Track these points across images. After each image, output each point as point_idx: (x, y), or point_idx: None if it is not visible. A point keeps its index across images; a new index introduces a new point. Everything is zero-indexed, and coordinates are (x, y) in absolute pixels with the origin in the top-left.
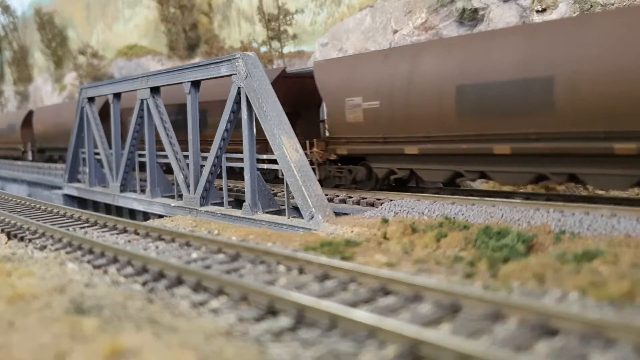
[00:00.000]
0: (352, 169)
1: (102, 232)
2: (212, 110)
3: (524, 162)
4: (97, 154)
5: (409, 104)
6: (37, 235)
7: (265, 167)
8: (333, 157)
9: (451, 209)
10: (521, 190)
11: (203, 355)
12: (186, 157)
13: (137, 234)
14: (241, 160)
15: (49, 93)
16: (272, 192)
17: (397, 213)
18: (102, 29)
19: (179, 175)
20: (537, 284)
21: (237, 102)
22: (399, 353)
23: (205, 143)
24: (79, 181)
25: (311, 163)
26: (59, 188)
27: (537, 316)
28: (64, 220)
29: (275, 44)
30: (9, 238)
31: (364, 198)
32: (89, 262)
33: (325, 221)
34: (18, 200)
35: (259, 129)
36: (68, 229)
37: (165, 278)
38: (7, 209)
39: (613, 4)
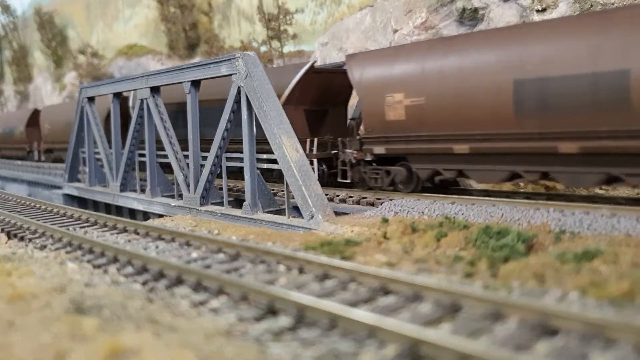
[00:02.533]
0: (391, 170)
1: (102, 231)
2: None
3: (593, 162)
4: (97, 153)
5: (459, 99)
6: (37, 235)
7: (265, 167)
8: (369, 157)
9: (451, 208)
10: (521, 190)
11: (203, 355)
12: (186, 156)
13: (137, 233)
14: (241, 159)
15: (49, 92)
16: (272, 191)
17: (397, 212)
18: (102, 29)
19: (179, 175)
20: (537, 284)
21: (237, 101)
22: (399, 353)
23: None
24: (79, 181)
25: (343, 164)
26: (59, 188)
27: (537, 316)
28: (64, 219)
29: (275, 43)
30: (9, 237)
31: (364, 198)
32: (89, 261)
33: (325, 221)
34: (18, 200)
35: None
36: (68, 229)
37: (165, 278)
38: (7, 209)
39: (613, 4)
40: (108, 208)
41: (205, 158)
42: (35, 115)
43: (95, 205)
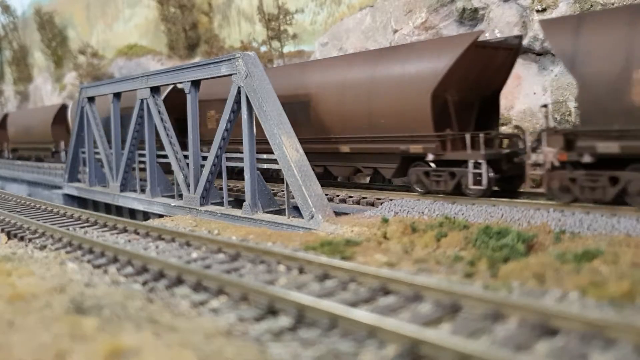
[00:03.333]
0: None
1: (102, 231)
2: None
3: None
4: (97, 153)
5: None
6: (37, 235)
7: (265, 167)
8: (587, 158)
9: (451, 208)
10: (521, 190)
11: (203, 354)
12: (186, 156)
13: (137, 233)
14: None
15: (49, 93)
16: (272, 191)
17: (397, 212)
18: (102, 29)
19: (179, 175)
20: (537, 284)
21: (237, 101)
22: (399, 353)
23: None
24: (79, 181)
25: (533, 166)
26: (59, 188)
27: (537, 316)
28: (64, 219)
29: (275, 43)
30: (9, 238)
31: (364, 197)
32: (89, 261)
33: (326, 221)
34: (18, 200)
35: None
36: (68, 229)
37: (165, 278)
38: (7, 209)
39: (613, 4)
40: (108, 208)
41: (205, 158)
42: (5, 119)
43: (95, 205)
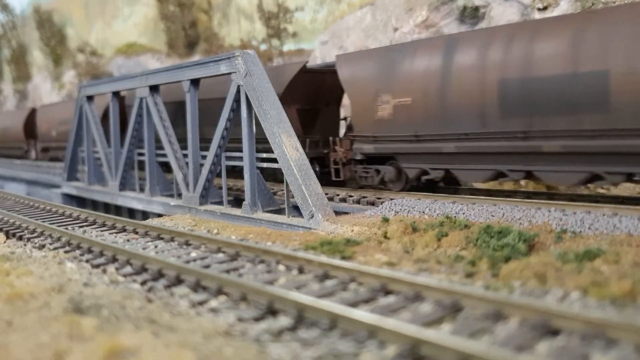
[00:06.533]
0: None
1: (101, 231)
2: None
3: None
4: (96, 152)
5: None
6: (35, 234)
7: (265, 166)
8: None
9: (452, 208)
10: (522, 189)
11: (202, 355)
12: (185, 155)
13: (136, 233)
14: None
15: (48, 91)
16: (272, 191)
17: (397, 212)
18: (101, 27)
19: (178, 174)
20: (538, 284)
21: (237, 100)
22: (399, 353)
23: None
24: (78, 180)
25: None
26: (58, 187)
27: (538, 316)
28: (62, 219)
29: (275, 41)
30: (7, 237)
31: (364, 197)
32: (87, 261)
33: (326, 220)
34: (17, 199)
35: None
36: (67, 228)
37: (164, 277)
38: (6, 208)
39: (614, 2)
40: (107, 207)
41: (204, 157)
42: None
43: (94, 205)
